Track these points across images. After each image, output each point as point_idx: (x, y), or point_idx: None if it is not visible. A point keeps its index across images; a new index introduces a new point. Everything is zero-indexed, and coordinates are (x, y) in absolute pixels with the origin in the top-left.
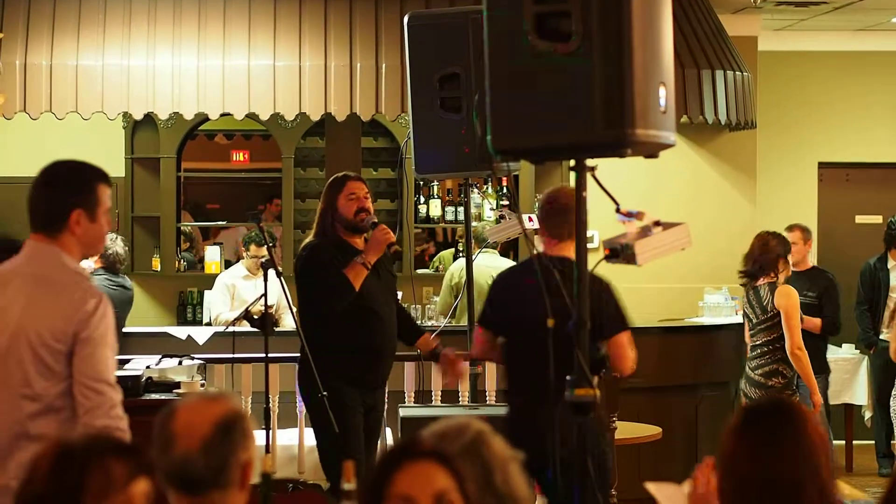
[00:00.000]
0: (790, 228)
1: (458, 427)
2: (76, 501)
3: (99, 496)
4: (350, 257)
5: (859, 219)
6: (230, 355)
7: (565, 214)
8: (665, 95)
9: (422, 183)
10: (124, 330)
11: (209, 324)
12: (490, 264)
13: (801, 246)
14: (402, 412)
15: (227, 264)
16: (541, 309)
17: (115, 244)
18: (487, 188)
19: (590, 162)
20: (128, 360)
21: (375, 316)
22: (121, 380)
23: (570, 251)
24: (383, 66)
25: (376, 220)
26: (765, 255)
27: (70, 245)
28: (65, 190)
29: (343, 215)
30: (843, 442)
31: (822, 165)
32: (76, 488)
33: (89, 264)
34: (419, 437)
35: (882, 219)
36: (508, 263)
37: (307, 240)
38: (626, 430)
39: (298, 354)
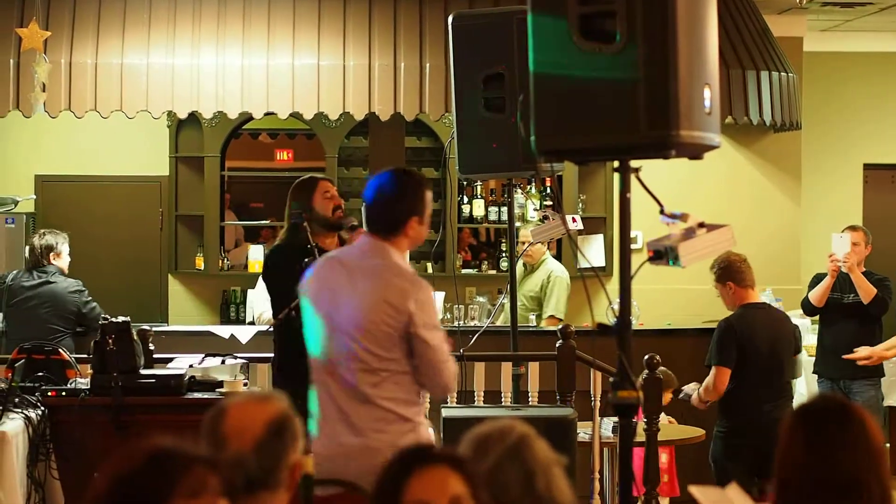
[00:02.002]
0: (853, 228)
1: (501, 430)
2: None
3: (189, 496)
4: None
5: None
6: (273, 354)
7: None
8: (710, 96)
9: (465, 183)
10: (168, 328)
11: (252, 323)
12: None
13: (861, 247)
14: (445, 412)
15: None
16: None
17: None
18: (531, 188)
19: (634, 163)
20: (171, 359)
21: None
22: (163, 378)
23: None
24: (427, 65)
25: (356, 223)
26: None
27: (402, 244)
28: (405, 201)
29: (320, 213)
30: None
31: (867, 167)
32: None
33: None
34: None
35: None
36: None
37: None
38: (669, 432)
39: None
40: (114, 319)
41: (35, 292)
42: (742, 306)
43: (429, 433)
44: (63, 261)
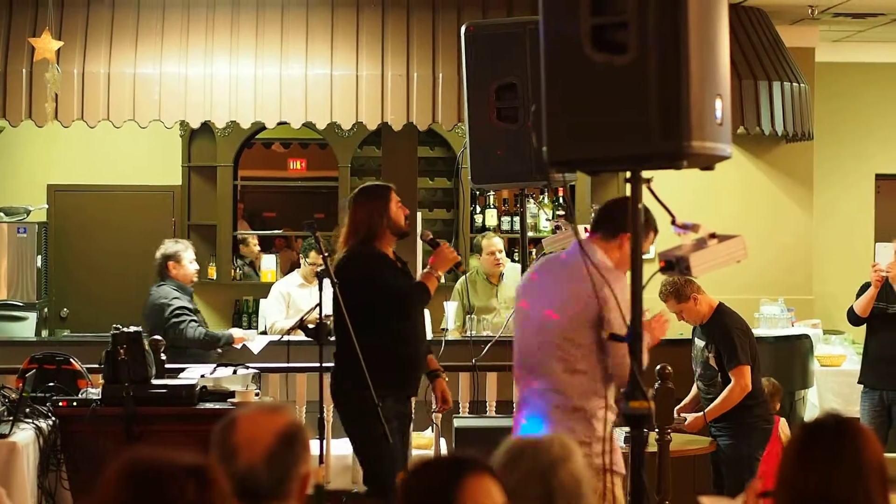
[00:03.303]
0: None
1: (538, 447)
2: None
3: None
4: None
5: None
6: (285, 364)
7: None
8: (721, 107)
9: (478, 193)
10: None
11: (264, 332)
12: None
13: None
14: (457, 422)
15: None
16: None
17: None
18: (544, 198)
19: (645, 174)
20: (182, 369)
21: (419, 327)
22: (175, 388)
23: None
24: (440, 75)
25: (437, 240)
26: None
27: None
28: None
29: (396, 222)
30: None
31: (879, 177)
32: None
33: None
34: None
35: None
36: None
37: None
38: (680, 443)
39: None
40: (126, 329)
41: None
42: (718, 307)
43: None
44: (184, 270)
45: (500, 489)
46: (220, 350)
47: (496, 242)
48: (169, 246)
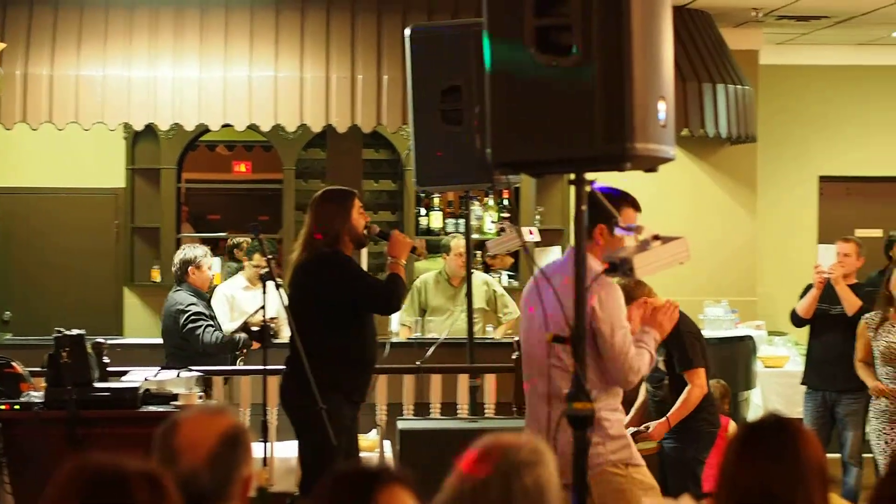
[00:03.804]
0: (845, 240)
1: (505, 448)
2: None
3: None
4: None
5: (860, 232)
6: (229, 367)
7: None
8: (665, 109)
9: (423, 195)
10: (124, 341)
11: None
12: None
13: (853, 259)
14: (401, 425)
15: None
16: None
17: None
18: (488, 201)
19: (589, 175)
20: (125, 372)
21: (373, 329)
22: (118, 391)
23: None
24: (385, 77)
25: (386, 231)
26: None
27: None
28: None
29: (355, 228)
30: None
31: (822, 179)
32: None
33: None
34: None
35: (882, 232)
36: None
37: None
38: None
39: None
40: (68, 332)
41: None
42: None
43: None
44: (203, 275)
45: (415, 499)
46: (237, 353)
47: (458, 245)
48: (188, 251)
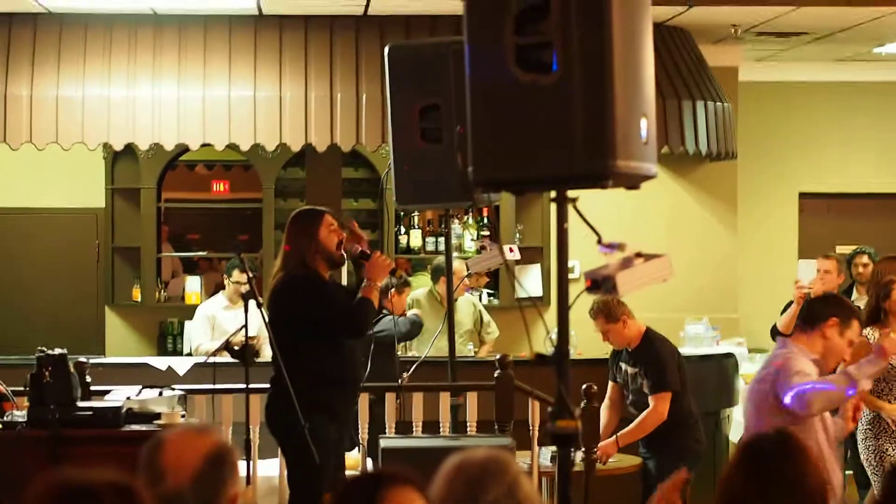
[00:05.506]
0: (826, 256)
1: (498, 465)
2: None
3: None
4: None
5: (840, 249)
6: (211, 386)
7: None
8: (646, 126)
9: (402, 214)
10: (105, 361)
11: (190, 354)
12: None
13: (833, 276)
14: (384, 443)
15: None
16: None
17: None
18: (468, 219)
19: (571, 193)
20: (108, 391)
21: (353, 348)
22: (100, 410)
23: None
24: (364, 96)
25: (368, 251)
26: None
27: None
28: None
29: (326, 248)
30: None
31: (802, 196)
32: None
33: None
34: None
35: None
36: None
37: (286, 271)
38: (608, 461)
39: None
40: (50, 352)
41: None
42: (646, 333)
43: None
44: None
45: (423, 500)
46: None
47: (460, 269)
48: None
